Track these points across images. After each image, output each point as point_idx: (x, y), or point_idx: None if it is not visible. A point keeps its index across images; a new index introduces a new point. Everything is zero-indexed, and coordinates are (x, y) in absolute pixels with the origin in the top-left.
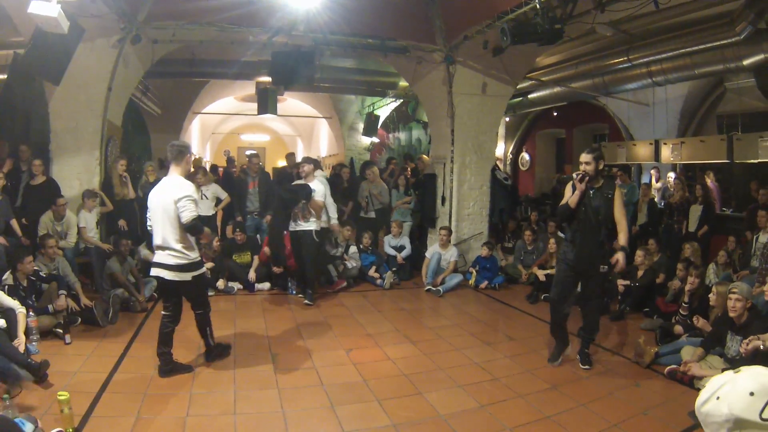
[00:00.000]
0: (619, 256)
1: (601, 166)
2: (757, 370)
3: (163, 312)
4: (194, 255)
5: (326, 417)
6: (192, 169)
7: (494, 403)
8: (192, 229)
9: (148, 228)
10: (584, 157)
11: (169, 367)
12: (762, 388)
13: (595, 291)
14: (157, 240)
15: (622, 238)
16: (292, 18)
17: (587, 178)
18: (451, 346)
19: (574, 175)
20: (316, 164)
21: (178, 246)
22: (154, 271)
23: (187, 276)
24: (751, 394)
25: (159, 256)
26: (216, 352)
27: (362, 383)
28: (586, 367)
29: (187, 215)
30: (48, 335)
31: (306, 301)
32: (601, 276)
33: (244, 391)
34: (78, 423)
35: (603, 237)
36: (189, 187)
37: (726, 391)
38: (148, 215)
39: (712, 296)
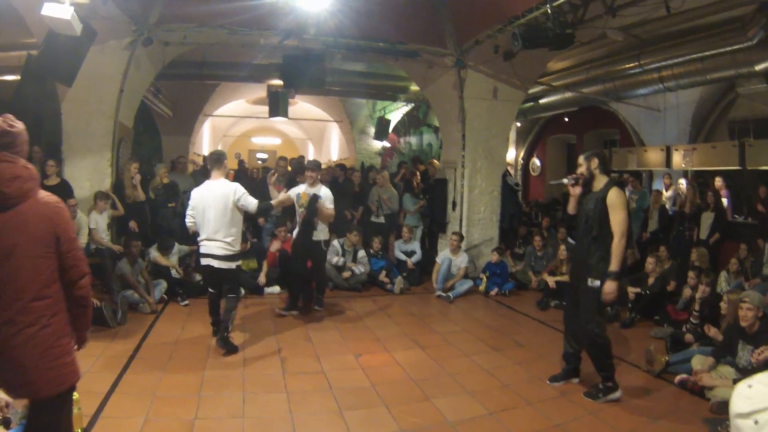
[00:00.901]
0: (606, 287)
1: (594, 165)
2: None
3: (210, 290)
4: (239, 247)
5: (334, 421)
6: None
7: (503, 410)
8: (262, 212)
9: (189, 224)
10: (579, 159)
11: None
12: None
13: (585, 310)
14: (206, 234)
15: (613, 261)
16: (302, 21)
17: (580, 180)
18: (460, 352)
19: (565, 180)
20: (319, 167)
21: (229, 239)
22: (205, 260)
23: (233, 265)
24: None
25: (209, 248)
26: (228, 345)
27: (370, 388)
28: (588, 399)
29: (253, 205)
30: None
31: (316, 306)
32: (590, 292)
33: (253, 395)
34: (87, 423)
35: (588, 244)
36: (239, 186)
37: (767, 419)
38: (189, 212)
39: (723, 305)
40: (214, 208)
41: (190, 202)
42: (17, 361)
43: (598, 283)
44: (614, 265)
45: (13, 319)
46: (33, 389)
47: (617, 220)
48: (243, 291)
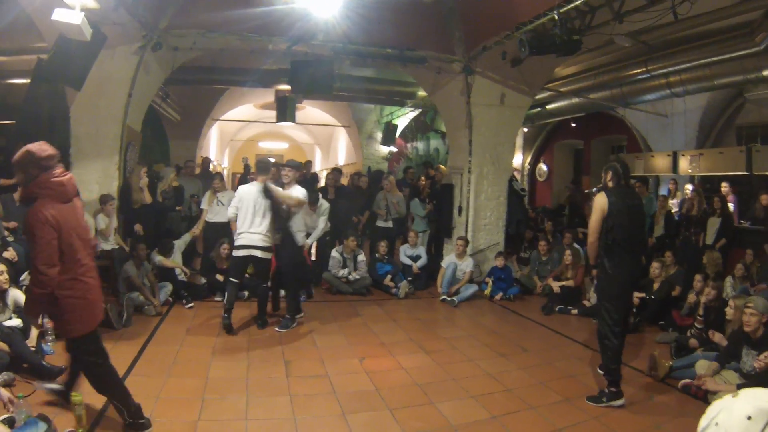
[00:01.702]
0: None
1: (608, 178)
2: (754, 393)
3: (232, 279)
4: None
5: (337, 425)
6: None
7: (506, 415)
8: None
9: (231, 215)
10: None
11: (229, 323)
12: (759, 411)
13: (598, 308)
14: (249, 227)
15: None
16: (311, 27)
17: (599, 190)
18: (464, 357)
19: (594, 190)
20: (299, 168)
21: (269, 233)
22: (245, 251)
23: (269, 255)
24: (749, 418)
25: (251, 239)
26: (266, 323)
27: (374, 392)
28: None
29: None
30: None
31: (276, 328)
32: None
33: (257, 398)
34: (90, 424)
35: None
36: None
37: (724, 417)
38: (235, 204)
39: (729, 310)
40: (262, 206)
41: (236, 196)
42: (96, 299)
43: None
44: (590, 258)
45: (86, 273)
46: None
47: (592, 223)
48: (246, 294)
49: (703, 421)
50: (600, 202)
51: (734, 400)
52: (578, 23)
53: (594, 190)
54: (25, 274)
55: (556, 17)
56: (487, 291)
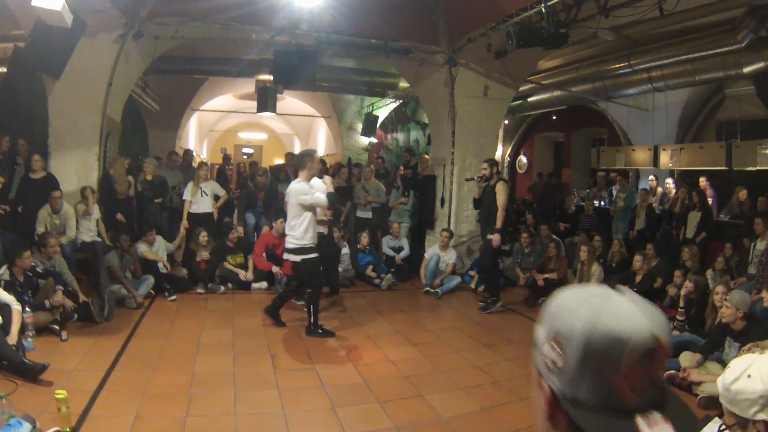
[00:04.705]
0: (494, 237)
1: (494, 171)
2: None
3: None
4: (305, 242)
5: (328, 419)
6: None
7: (496, 406)
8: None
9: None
10: (483, 165)
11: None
12: None
13: (486, 253)
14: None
15: (498, 222)
16: (295, 17)
17: (483, 178)
18: (451, 349)
19: (476, 178)
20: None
21: (292, 232)
22: (285, 254)
23: (297, 258)
24: None
25: (286, 241)
26: (316, 332)
27: (363, 385)
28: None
29: (308, 201)
30: (44, 331)
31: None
32: (488, 242)
33: (244, 392)
34: (75, 422)
35: (488, 215)
36: (303, 185)
37: (756, 369)
38: None
39: (716, 296)
40: (289, 204)
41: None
42: None
43: (490, 236)
44: (497, 224)
45: None
46: None
47: (500, 199)
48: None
49: (729, 375)
50: (506, 187)
51: (762, 356)
52: (564, 16)
53: (476, 178)
54: (3, 268)
55: (543, 10)
56: (473, 284)
